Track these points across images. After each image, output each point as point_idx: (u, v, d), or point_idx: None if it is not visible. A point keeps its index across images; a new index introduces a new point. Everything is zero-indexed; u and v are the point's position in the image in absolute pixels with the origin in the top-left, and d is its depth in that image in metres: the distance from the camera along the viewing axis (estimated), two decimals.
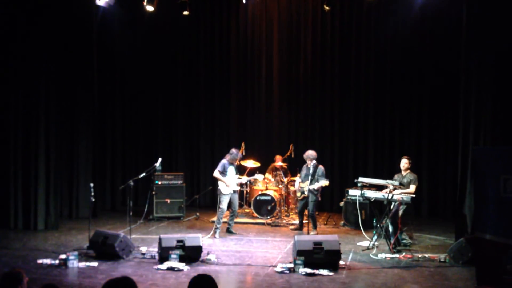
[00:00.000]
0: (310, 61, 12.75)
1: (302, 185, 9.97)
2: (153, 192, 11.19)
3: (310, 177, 9.66)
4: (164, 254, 7.61)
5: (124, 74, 13.05)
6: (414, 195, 8.64)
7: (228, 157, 9.73)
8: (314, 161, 9.82)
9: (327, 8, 11.80)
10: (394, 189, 8.69)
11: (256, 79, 13.16)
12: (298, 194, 10.15)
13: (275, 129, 13.10)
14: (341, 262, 7.57)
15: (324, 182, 9.59)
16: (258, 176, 10.44)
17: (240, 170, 10.62)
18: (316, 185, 9.63)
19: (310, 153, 9.90)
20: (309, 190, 9.67)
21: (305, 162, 9.99)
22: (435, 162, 11.96)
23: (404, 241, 8.83)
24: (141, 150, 13.49)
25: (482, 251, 6.64)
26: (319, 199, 9.99)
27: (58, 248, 8.44)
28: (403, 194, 8.54)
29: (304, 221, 10.05)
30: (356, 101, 12.49)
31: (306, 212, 9.99)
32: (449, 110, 11.41)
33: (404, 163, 8.99)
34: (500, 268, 6.37)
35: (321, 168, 9.80)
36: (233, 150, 9.79)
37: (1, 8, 9.88)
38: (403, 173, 8.99)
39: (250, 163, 11.53)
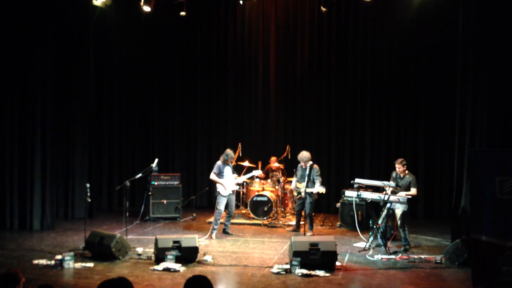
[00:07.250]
0: (307, 62, 12.77)
1: (298, 185, 9.98)
2: (150, 193, 11.18)
3: (306, 178, 9.69)
4: (160, 255, 7.60)
5: (120, 74, 13.02)
6: (410, 196, 8.65)
7: (221, 158, 9.74)
8: (310, 162, 9.84)
9: (324, 9, 11.81)
10: (393, 191, 8.68)
11: (253, 80, 13.18)
12: (295, 193, 10.20)
13: (271, 130, 13.10)
14: (337, 263, 7.58)
15: (321, 189, 9.53)
16: (255, 172, 10.41)
17: (238, 170, 10.62)
18: (313, 190, 9.61)
19: (305, 155, 9.88)
20: (307, 193, 9.67)
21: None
22: (431, 164, 11.97)
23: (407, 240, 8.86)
24: (138, 150, 13.48)
25: (478, 253, 6.65)
26: (316, 197, 10.00)
27: (54, 249, 8.43)
28: (400, 196, 8.54)
29: (301, 222, 10.06)
30: (352, 102, 12.51)
31: (303, 213, 10.01)
32: (446, 111, 11.43)
33: (397, 168, 8.92)
34: (495, 269, 6.39)
35: (315, 167, 9.80)
36: (227, 150, 9.81)
37: None
38: (401, 174, 8.94)
39: (247, 164, 11.52)
